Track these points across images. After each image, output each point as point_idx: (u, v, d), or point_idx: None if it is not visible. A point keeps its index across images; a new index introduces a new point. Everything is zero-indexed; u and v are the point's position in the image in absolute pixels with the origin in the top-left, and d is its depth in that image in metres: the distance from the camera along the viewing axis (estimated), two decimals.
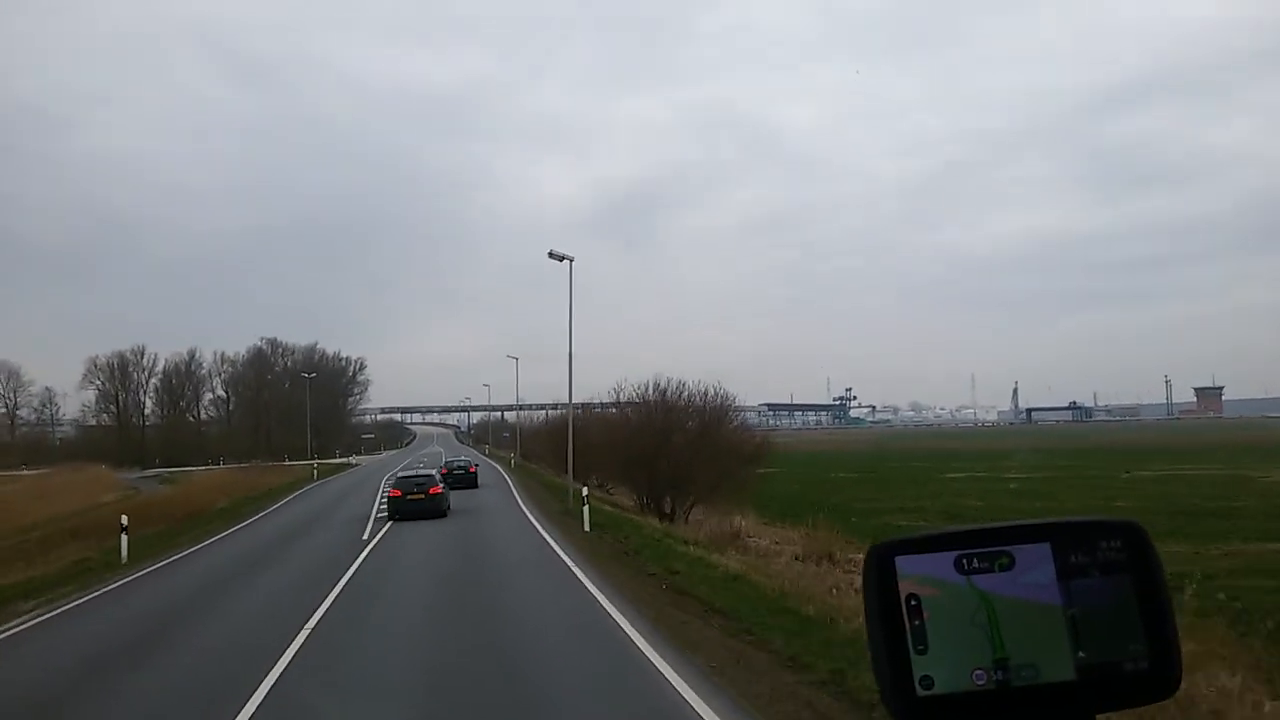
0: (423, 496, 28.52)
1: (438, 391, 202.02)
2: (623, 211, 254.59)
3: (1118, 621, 1.17)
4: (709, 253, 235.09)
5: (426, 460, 63.03)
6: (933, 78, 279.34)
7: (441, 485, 29.97)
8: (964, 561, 1.19)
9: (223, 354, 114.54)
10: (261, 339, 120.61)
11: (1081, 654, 1.17)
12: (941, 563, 1.19)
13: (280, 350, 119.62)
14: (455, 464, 44.53)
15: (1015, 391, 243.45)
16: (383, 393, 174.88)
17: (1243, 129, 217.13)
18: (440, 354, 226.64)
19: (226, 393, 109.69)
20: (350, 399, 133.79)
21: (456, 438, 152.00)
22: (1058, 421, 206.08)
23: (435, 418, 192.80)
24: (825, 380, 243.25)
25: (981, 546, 1.20)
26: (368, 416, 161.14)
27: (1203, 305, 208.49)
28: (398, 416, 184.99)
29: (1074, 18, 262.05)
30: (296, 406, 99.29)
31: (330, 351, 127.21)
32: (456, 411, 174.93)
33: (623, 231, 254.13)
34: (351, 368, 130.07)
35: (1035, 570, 1.19)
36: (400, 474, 33.25)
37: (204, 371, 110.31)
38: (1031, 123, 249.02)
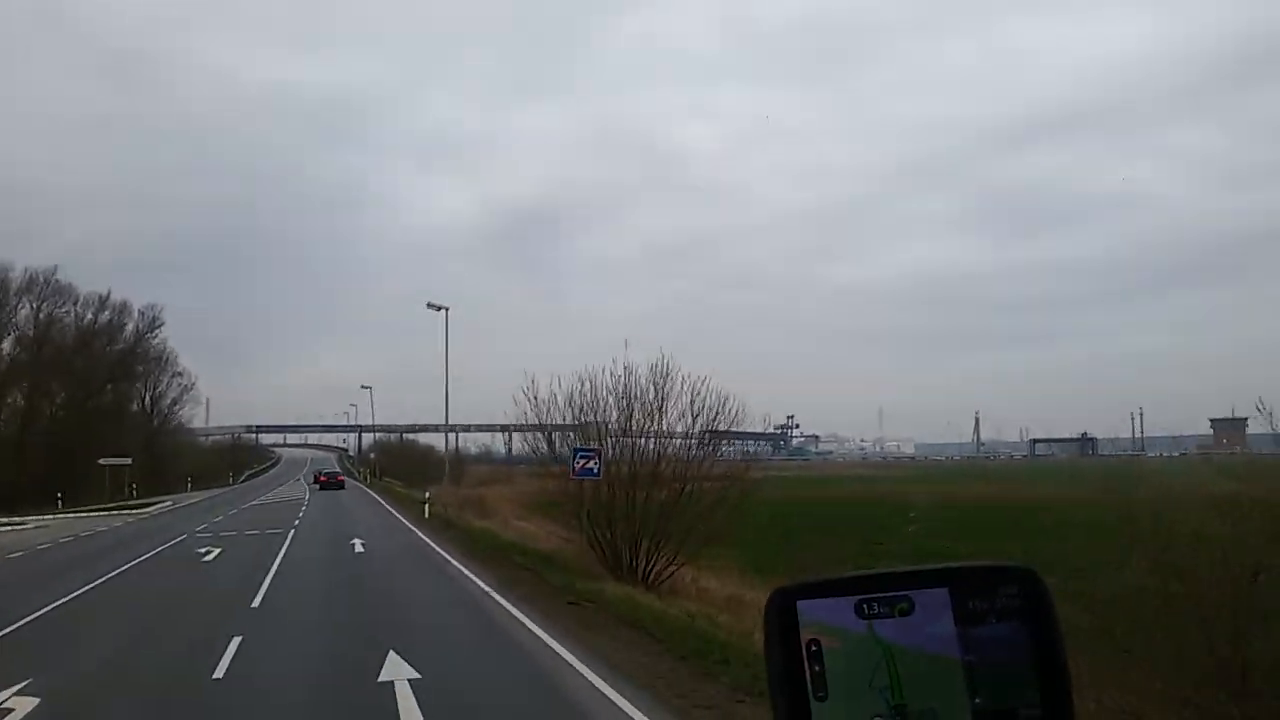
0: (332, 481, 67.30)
1: (325, 414, 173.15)
2: (518, 233, 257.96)
3: (1013, 669, 1.17)
4: (610, 277, 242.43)
5: None
6: (841, 102, 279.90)
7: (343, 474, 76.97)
8: (864, 606, 1.18)
9: None
10: None
11: (978, 700, 1.16)
12: (842, 608, 1.18)
13: None
14: None
15: (977, 425, 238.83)
16: (258, 413, 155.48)
17: (1140, 171, 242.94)
18: (325, 375, 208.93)
19: None
20: (158, 395, 79.66)
21: (340, 465, 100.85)
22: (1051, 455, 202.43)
23: (315, 438, 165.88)
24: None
25: (882, 591, 1.19)
26: (213, 436, 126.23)
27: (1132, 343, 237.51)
28: (255, 436, 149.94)
29: (981, 51, 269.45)
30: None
31: (85, 291, 76.07)
32: (340, 431, 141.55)
33: (519, 254, 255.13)
34: (134, 323, 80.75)
35: (934, 616, 1.18)
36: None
37: None
38: (933, 156, 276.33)
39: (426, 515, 35.14)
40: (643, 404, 20.32)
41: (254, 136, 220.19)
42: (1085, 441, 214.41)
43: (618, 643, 11.17)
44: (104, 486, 57.65)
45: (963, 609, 1.18)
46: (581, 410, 20.52)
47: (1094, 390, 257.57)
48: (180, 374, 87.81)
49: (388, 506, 46.52)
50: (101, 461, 55.71)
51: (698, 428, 20.26)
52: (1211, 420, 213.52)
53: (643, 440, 20.69)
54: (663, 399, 20.22)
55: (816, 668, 1.16)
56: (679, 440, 20.87)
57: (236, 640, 11.41)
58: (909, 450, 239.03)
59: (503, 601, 14.44)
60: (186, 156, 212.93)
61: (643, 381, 20.11)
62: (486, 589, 15.87)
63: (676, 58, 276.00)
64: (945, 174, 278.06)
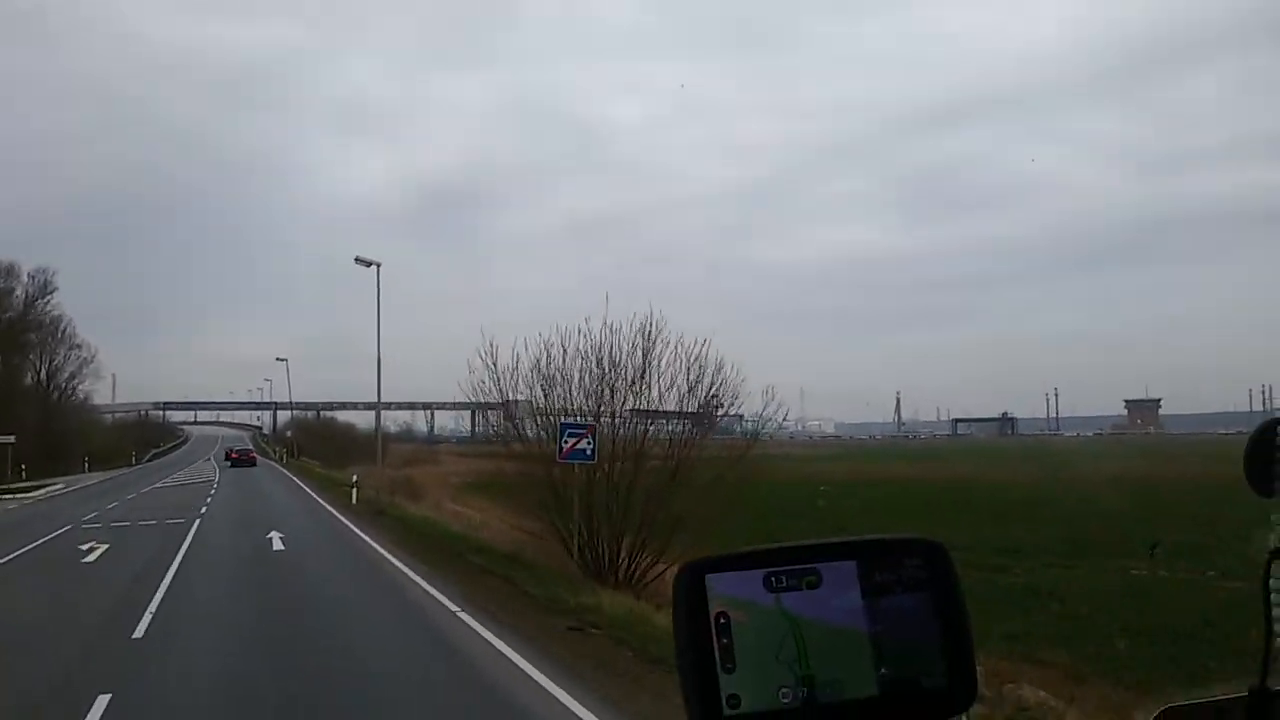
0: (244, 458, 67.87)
1: (238, 391, 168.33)
2: (439, 207, 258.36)
3: (918, 639, 1.20)
4: (532, 254, 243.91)
5: None
6: (762, 81, 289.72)
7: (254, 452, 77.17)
8: (773, 579, 1.20)
9: None
10: None
11: (884, 670, 1.18)
12: (751, 581, 1.20)
13: None
14: None
15: (898, 404, 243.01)
16: (168, 390, 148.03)
17: (1054, 156, 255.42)
18: (238, 351, 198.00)
19: None
20: (55, 368, 73.93)
21: (254, 443, 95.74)
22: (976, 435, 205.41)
23: (228, 416, 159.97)
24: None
25: (790, 564, 1.21)
26: (119, 413, 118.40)
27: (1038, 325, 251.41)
28: (163, 414, 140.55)
29: (902, 32, 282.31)
30: None
31: None
32: (254, 408, 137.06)
33: (440, 228, 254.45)
34: (23, 288, 74.62)
35: (841, 588, 1.21)
36: None
37: None
38: (853, 137, 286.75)
39: (354, 501, 31.07)
40: (627, 372, 17.00)
41: (162, 100, 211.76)
42: (1005, 421, 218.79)
43: (665, 702, 7.78)
44: None
45: (869, 581, 1.19)
46: (550, 380, 17.02)
47: (1012, 371, 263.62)
48: (79, 346, 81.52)
49: (308, 490, 42.03)
50: None
51: (694, 402, 16.97)
52: (1126, 401, 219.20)
53: (622, 415, 17.45)
54: (647, 366, 16.91)
55: (725, 640, 1.16)
56: (667, 415, 17.67)
57: (102, 702, 7.76)
58: (830, 430, 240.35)
59: (476, 626, 10.78)
60: (89, 119, 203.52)
61: (626, 346, 16.75)
62: (451, 606, 12.13)
63: (598, 30, 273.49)
64: (864, 155, 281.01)
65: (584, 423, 14.37)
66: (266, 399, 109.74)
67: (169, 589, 13.87)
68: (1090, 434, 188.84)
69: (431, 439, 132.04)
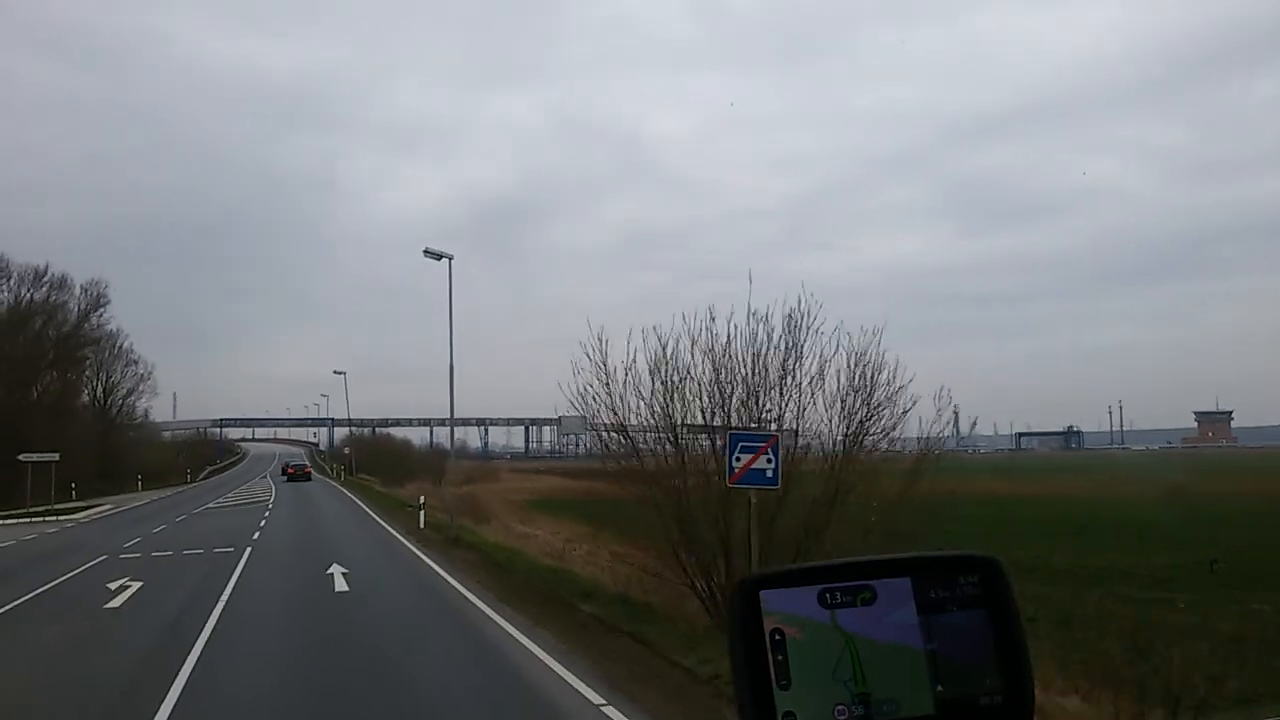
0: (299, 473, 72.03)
1: (295, 408, 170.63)
2: (489, 223, 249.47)
3: (974, 656, 1.20)
4: (584, 269, 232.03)
5: None
6: (811, 93, 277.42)
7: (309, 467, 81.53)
8: (827, 596, 1.20)
9: None
10: None
11: (940, 688, 1.18)
12: (805, 597, 1.20)
13: None
14: None
15: (955, 418, 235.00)
16: (227, 407, 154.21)
17: (1107, 166, 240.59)
18: (295, 370, 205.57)
19: None
20: (111, 385, 72.85)
21: (310, 460, 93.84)
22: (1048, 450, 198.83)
23: (285, 432, 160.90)
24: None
25: (845, 580, 1.21)
26: (178, 431, 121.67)
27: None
28: (220, 430, 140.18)
29: (952, 41, 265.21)
30: None
31: (19, 264, 66.76)
32: (311, 425, 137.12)
33: (490, 245, 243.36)
34: (76, 301, 71.26)
35: (896, 605, 1.20)
36: None
37: None
38: (907, 147, 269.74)
39: (420, 525, 27.79)
40: (772, 372, 13.36)
41: (218, 120, 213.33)
42: (1071, 434, 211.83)
43: None
44: (43, 486, 48.83)
45: (924, 598, 1.19)
46: (677, 383, 13.37)
47: (1069, 383, 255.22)
48: (135, 362, 79.91)
49: (368, 510, 38.94)
50: (22, 457, 45.39)
51: (858, 411, 13.28)
52: (1196, 413, 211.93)
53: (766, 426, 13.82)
54: (797, 364, 13.27)
55: (780, 657, 1.15)
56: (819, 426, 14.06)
57: None
58: (883, 444, 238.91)
59: None
60: (147, 141, 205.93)
61: (772, 339, 13.12)
62: (591, 695, 8.49)
63: (648, 45, 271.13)
64: (918, 165, 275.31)
65: (764, 432, 10.76)
66: (323, 415, 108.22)
67: (203, 654, 10.48)
68: (1158, 447, 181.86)
69: (486, 455, 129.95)
